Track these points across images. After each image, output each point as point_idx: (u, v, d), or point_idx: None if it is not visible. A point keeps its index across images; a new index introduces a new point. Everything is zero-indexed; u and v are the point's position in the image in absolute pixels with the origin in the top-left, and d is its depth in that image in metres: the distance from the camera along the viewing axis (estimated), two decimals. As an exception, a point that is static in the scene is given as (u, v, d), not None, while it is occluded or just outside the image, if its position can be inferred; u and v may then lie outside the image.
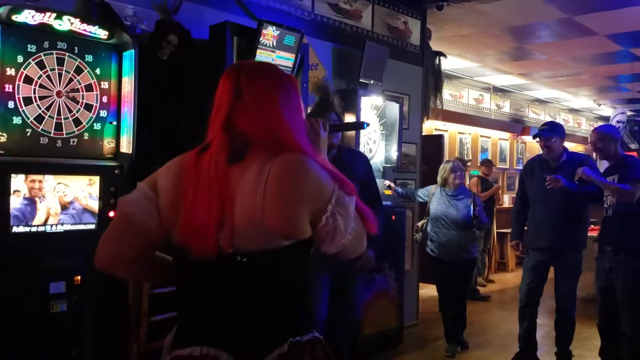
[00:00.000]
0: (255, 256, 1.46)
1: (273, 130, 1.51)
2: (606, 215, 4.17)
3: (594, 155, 4.37)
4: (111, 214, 3.03)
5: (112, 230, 1.61)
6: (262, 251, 1.46)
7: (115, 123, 3.20)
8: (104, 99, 3.15)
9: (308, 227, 1.48)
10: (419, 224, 5.30)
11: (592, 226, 7.04)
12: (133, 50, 3.14)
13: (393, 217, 4.89)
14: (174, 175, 1.57)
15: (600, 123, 13.83)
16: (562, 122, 13.80)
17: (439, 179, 5.19)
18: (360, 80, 5.01)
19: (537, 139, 4.51)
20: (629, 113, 12.63)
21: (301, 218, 1.46)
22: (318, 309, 3.39)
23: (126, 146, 3.17)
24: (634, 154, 11.47)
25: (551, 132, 4.47)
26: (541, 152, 4.60)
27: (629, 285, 3.94)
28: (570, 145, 13.39)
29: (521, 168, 5.57)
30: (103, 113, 3.15)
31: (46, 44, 2.92)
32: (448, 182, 5.11)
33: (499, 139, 11.71)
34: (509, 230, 5.91)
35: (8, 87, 2.80)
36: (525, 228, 4.72)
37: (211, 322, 1.51)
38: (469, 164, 9.26)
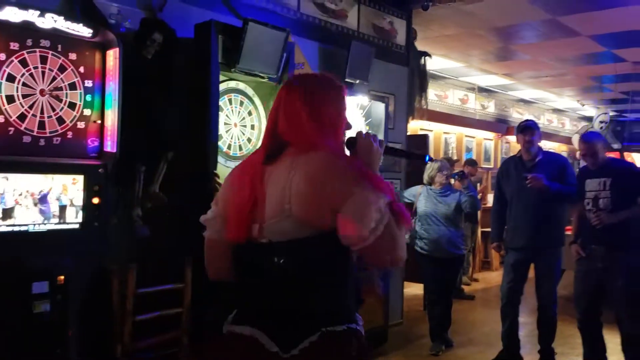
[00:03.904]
0: (285, 245, 1.62)
1: (301, 134, 1.69)
2: (589, 217, 4.16)
3: (577, 154, 4.38)
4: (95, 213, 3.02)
5: (205, 252, 1.91)
6: (291, 240, 1.61)
7: (99, 122, 3.18)
8: (88, 98, 3.13)
9: (332, 218, 1.57)
10: None
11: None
12: (117, 49, 3.12)
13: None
14: (229, 179, 1.84)
15: (583, 123, 13.98)
16: (546, 122, 13.96)
17: (425, 177, 5.23)
18: (346, 79, 5.01)
19: (522, 134, 4.53)
20: (611, 113, 12.76)
21: (323, 209, 1.57)
22: None
23: (110, 145, 3.16)
24: (617, 153, 11.62)
25: (535, 127, 4.53)
26: (519, 150, 4.65)
27: (627, 281, 3.98)
28: (553, 145, 13.53)
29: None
30: (87, 112, 3.13)
31: (29, 42, 2.90)
32: (435, 181, 5.16)
33: (484, 138, 11.79)
34: (491, 230, 5.94)
35: (-10, 85, 2.77)
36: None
37: (255, 307, 1.71)
38: (455, 164, 9.31)
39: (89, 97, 3.14)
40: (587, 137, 4.32)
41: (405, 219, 1.63)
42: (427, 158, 2.28)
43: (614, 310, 4.17)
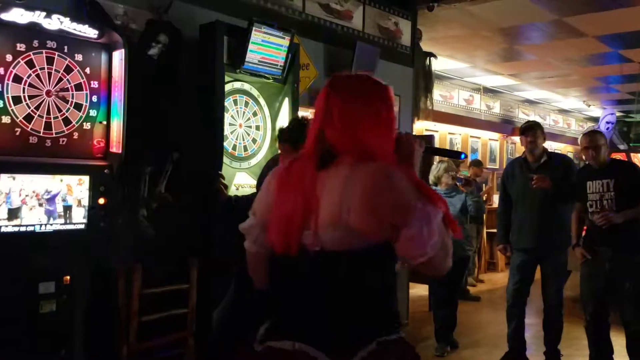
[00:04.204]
0: (339, 255, 1.56)
1: (357, 141, 1.62)
2: (593, 219, 4.14)
3: (584, 156, 4.34)
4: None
5: (248, 263, 1.84)
6: (345, 251, 1.56)
7: (105, 123, 3.19)
8: (94, 99, 3.14)
9: (389, 232, 1.54)
10: None
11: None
12: (123, 50, 3.13)
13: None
14: (268, 183, 1.75)
15: (589, 124, 13.95)
16: (551, 123, 13.92)
17: (431, 178, 5.22)
18: (351, 80, 5.01)
19: (524, 135, 4.53)
20: (618, 114, 12.71)
21: (383, 221, 1.53)
22: None
23: (116, 146, 3.17)
24: (623, 154, 11.57)
25: (537, 128, 4.52)
26: (524, 152, 4.64)
27: (634, 282, 3.97)
28: (559, 146, 13.49)
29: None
30: (93, 113, 3.14)
31: (36, 43, 2.91)
32: (441, 182, 5.15)
33: (489, 139, 11.76)
34: (497, 231, 5.93)
35: (-3, 86, 2.79)
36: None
37: (301, 319, 1.62)
38: (461, 164, 9.30)
39: (95, 98, 3.15)
40: (591, 131, 4.34)
41: (455, 230, 1.63)
42: (463, 156, 2.28)
43: (620, 311, 4.15)
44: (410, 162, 1.74)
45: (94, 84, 3.14)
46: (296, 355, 1.57)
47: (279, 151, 3.37)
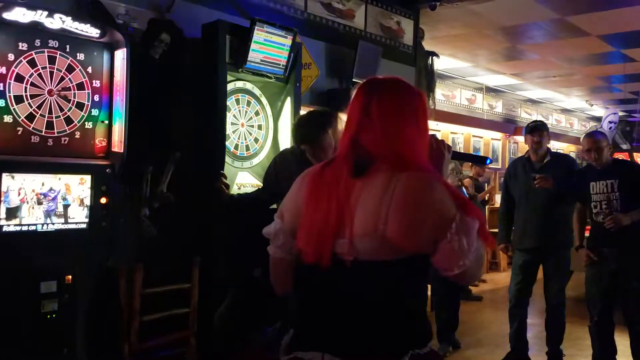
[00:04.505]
0: (374, 265, 1.51)
1: (397, 149, 1.55)
2: (597, 220, 4.13)
3: (589, 157, 4.31)
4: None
5: (271, 269, 1.75)
6: (380, 261, 1.51)
7: (107, 122, 3.19)
8: (96, 98, 3.14)
9: (429, 243, 1.51)
10: None
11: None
12: (125, 49, 3.13)
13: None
14: (297, 188, 1.67)
15: (592, 124, 13.91)
16: (554, 122, 13.90)
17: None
18: (353, 79, 5.01)
19: (530, 134, 4.51)
20: (620, 113, 12.68)
21: (422, 234, 1.49)
22: None
23: (118, 145, 3.16)
24: (626, 154, 11.55)
25: (544, 128, 4.51)
26: (527, 151, 4.62)
27: None
28: (562, 146, 13.46)
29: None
30: (95, 112, 3.14)
31: (37, 42, 2.91)
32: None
33: (492, 139, 11.74)
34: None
35: (-1, 86, 2.79)
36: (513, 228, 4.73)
37: (332, 330, 1.54)
38: (463, 165, 9.29)
39: (96, 97, 3.14)
40: (593, 133, 4.31)
41: (489, 240, 1.59)
42: (488, 161, 2.25)
43: (625, 311, 4.13)
44: (440, 169, 1.69)
45: (96, 84, 3.14)
46: None
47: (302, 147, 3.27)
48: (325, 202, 1.55)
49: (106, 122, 3.19)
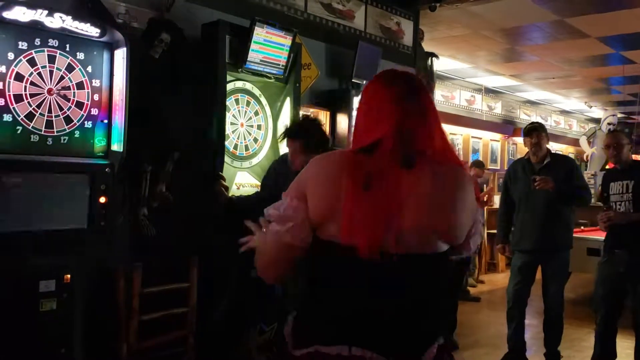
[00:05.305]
0: (418, 258, 1.53)
1: (440, 142, 1.59)
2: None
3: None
4: (102, 211, 3.03)
5: (266, 253, 1.60)
6: (425, 254, 1.54)
7: (106, 121, 3.19)
8: (95, 97, 3.14)
9: (465, 234, 1.63)
10: None
11: (582, 228, 7.09)
12: (125, 48, 3.13)
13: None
14: (328, 176, 1.54)
15: (591, 125, 13.91)
16: (553, 124, 13.90)
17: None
18: (353, 80, 5.01)
19: (528, 136, 4.51)
20: (619, 115, 12.69)
21: (466, 225, 1.61)
22: None
23: (117, 145, 3.16)
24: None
25: (542, 129, 4.52)
26: (527, 153, 4.62)
27: None
28: (561, 147, 13.46)
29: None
30: (94, 111, 3.14)
31: (37, 41, 2.91)
32: None
33: (491, 140, 11.74)
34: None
35: (-2, 84, 2.78)
36: (512, 229, 4.73)
37: (362, 322, 1.50)
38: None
39: (96, 97, 3.14)
40: (614, 130, 4.34)
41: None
42: None
43: (633, 314, 4.12)
44: None
45: (96, 83, 3.14)
46: None
47: (287, 148, 3.33)
48: (373, 196, 1.47)
49: (106, 121, 3.18)
